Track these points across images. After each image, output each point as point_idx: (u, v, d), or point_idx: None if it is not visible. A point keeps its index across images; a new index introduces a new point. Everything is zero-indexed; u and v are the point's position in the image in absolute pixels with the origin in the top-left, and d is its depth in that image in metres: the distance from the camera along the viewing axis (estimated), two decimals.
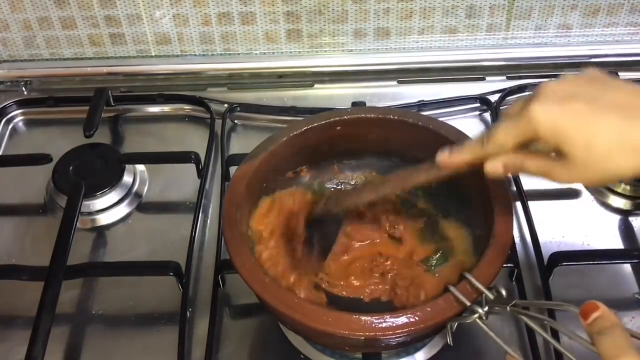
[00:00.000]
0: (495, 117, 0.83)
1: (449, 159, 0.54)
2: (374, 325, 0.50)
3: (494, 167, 0.51)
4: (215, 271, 0.68)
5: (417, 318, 0.51)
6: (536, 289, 0.67)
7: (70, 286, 0.68)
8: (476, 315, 0.51)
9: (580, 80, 0.48)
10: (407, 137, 0.66)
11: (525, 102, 0.48)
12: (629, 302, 0.66)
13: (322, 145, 0.68)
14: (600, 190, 0.76)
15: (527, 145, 0.49)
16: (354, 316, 0.51)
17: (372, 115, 0.66)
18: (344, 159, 0.70)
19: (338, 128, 0.66)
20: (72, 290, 0.69)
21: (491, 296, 0.51)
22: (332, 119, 0.66)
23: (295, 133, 0.65)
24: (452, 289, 0.52)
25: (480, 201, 0.60)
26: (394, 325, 0.50)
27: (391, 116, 0.66)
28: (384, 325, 0.50)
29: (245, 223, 0.62)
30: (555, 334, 0.58)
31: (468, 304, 0.51)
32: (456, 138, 0.62)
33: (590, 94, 0.47)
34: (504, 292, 0.51)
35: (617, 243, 0.72)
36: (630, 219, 0.74)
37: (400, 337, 0.52)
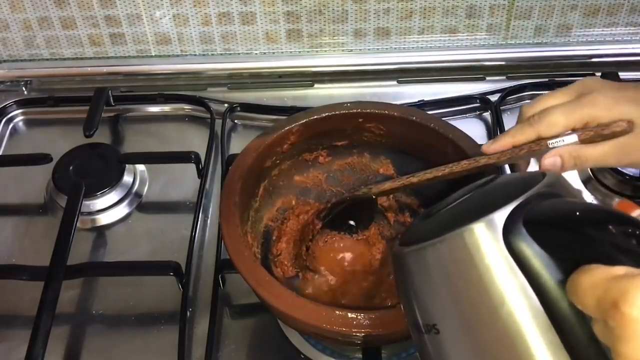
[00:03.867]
0: (496, 117, 0.83)
1: (493, 144, 0.54)
2: (350, 321, 0.51)
3: (552, 161, 0.51)
4: (215, 271, 0.68)
5: (392, 316, 0.51)
6: None
7: (70, 286, 0.68)
8: None
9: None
10: (425, 141, 0.66)
11: (584, 86, 0.53)
12: None
13: (341, 134, 0.68)
14: (600, 190, 0.76)
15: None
16: (336, 312, 0.51)
17: (395, 113, 0.66)
18: (362, 150, 0.70)
19: (360, 120, 0.67)
20: (72, 290, 0.69)
21: None
22: (356, 110, 0.67)
23: (315, 117, 0.66)
24: None
25: None
26: (367, 323, 0.51)
27: (413, 117, 0.66)
28: (359, 322, 0.51)
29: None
30: None
31: None
32: (474, 153, 0.61)
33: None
34: None
35: None
36: None
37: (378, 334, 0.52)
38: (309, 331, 0.58)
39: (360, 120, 0.67)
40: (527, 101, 0.87)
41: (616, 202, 0.54)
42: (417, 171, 0.60)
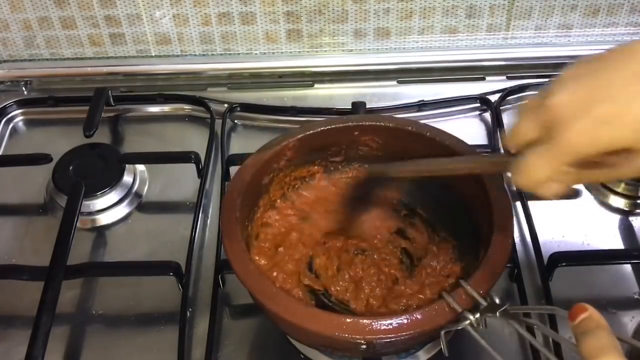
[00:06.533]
0: (496, 117, 0.83)
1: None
2: (363, 327, 0.50)
3: (552, 189, 0.46)
4: (215, 271, 0.68)
5: (408, 322, 0.50)
6: (536, 289, 0.67)
7: (70, 286, 0.68)
8: (467, 322, 0.51)
9: (590, 61, 0.45)
10: (422, 150, 0.65)
11: (543, 91, 0.45)
12: (629, 302, 0.66)
13: (336, 149, 0.68)
14: (600, 190, 0.76)
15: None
16: (347, 319, 0.51)
17: (390, 124, 0.66)
18: (358, 164, 0.70)
19: (356, 133, 0.66)
20: (72, 290, 0.69)
21: (484, 303, 0.51)
22: (351, 124, 0.66)
23: (311, 132, 0.65)
24: (445, 295, 0.52)
25: (480, 203, 0.60)
26: (384, 329, 0.50)
27: (409, 128, 0.65)
28: (373, 328, 0.50)
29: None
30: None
31: (460, 310, 0.51)
32: (471, 158, 0.61)
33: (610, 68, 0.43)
34: (497, 300, 0.51)
35: (617, 243, 0.72)
36: (630, 219, 0.74)
37: (389, 340, 0.51)
38: (320, 342, 0.57)
39: (356, 133, 0.66)
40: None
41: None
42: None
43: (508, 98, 0.86)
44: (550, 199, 0.49)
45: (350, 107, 0.83)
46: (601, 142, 0.43)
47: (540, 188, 0.46)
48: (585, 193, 0.76)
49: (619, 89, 0.42)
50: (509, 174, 0.48)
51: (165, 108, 0.89)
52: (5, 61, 0.92)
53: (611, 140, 0.43)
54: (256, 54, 0.91)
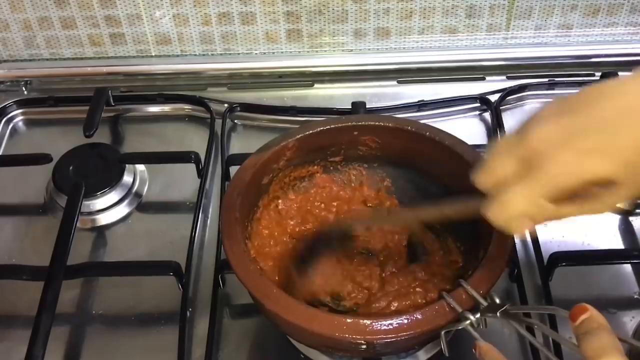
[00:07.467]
0: (495, 117, 0.83)
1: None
2: (363, 328, 0.50)
3: (524, 225, 0.45)
4: (215, 271, 0.68)
5: (408, 323, 0.50)
6: (536, 289, 0.67)
7: (70, 286, 0.68)
8: (467, 322, 0.51)
9: (567, 100, 0.44)
10: (422, 150, 0.65)
11: (519, 129, 0.44)
12: (629, 302, 0.66)
13: (336, 149, 0.68)
14: None
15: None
16: (347, 320, 0.51)
17: (390, 124, 0.66)
18: (358, 164, 0.70)
19: (355, 133, 0.66)
20: (72, 290, 0.69)
21: (485, 303, 0.51)
22: (351, 123, 0.66)
23: (310, 132, 0.65)
24: (445, 295, 0.52)
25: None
26: (384, 329, 0.50)
27: (409, 127, 0.65)
28: (373, 328, 0.50)
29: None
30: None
31: (460, 310, 0.51)
32: (471, 157, 0.61)
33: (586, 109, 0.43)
34: (497, 300, 0.51)
35: (617, 243, 0.72)
36: (631, 219, 0.74)
37: (390, 341, 0.51)
38: (320, 342, 0.57)
39: (356, 133, 0.66)
40: (527, 102, 0.88)
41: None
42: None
43: (508, 98, 0.86)
44: (519, 235, 0.48)
45: (350, 107, 0.83)
46: (583, 174, 0.42)
47: (513, 223, 0.46)
48: None
49: (603, 122, 0.42)
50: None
51: (165, 108, 0.89)
52: (5, 61, 0.92)
53: (594, 171, 0.42)
54: (256, 54, 0.91)
